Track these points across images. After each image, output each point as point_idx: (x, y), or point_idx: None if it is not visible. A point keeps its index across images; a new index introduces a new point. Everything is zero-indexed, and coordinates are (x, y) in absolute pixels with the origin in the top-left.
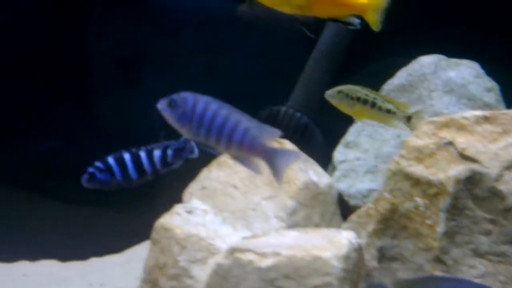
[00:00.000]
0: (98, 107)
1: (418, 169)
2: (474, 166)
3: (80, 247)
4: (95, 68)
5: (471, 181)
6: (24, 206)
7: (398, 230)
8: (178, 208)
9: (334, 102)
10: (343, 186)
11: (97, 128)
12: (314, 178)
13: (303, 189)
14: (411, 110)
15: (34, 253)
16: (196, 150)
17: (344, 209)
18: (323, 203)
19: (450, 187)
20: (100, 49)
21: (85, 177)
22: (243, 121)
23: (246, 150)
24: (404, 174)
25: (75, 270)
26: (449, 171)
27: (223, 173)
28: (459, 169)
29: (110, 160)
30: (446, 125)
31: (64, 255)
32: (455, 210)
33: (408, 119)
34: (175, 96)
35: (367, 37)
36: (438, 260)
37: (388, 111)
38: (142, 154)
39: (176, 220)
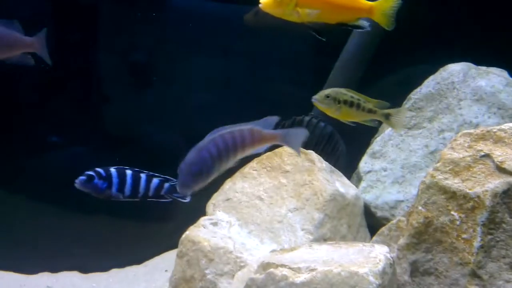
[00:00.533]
0: (116, 115)
1: (454, 182)
2: None
3: (101, 259)
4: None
5: (508, 195)
6: (45, 219)
7: (433, 244)
8: (203, 220)
9: (322, 107)
10: (369, 197)
11: (116, 139)
12: (341, 189)
13: (330, 200)
14: (389, 108)
15: (55, 265)
16: (189, 198)
17: (370, 220)
18: (350, 215)
19: (488, 201)
20: (112, 53)
21: (82, 178)
22: (243, 126)
23: (258, 142)
24: (439, 187)
25: (97, 282)
26: (487, 185)
27: (248, 185)
28: (496, 183)
29: (113, 171)
30: (483, 137)
31: (85, 267)
32: (492, 224)
33: (387, 116)
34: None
35: (390, 46)
36: (474, 275)
37: (370, 111)
38: (143, 176)
39: (203, 233)
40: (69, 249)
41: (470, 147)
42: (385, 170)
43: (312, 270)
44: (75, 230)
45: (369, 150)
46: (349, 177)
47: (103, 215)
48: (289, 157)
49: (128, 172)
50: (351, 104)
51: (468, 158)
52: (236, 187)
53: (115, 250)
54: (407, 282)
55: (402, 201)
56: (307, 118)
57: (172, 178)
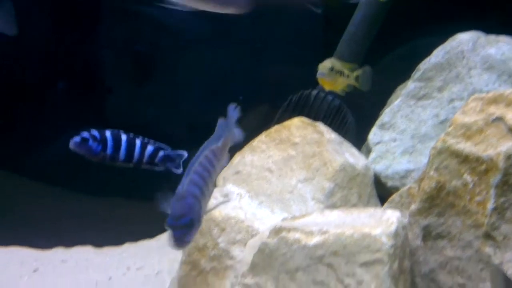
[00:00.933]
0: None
1: (466, 146)
2: None
3: (114, 234)
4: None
5: None
6: (59, 196)
7: (445, 208)
8: (214, 192)
9: (329, 79)
10: (379, 167)
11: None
12: (351, 160)
13: (340, 171)
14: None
15: (69, 241)
16: (181, 170)
17: (381, 191)
18: (360, 185)
19: (501, 163)
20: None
21: (76, 139)
22: (205, 151)
23: (222, 156)
24: (451, 152)
25: (111, 256)
26: (499, 147)
27: (257, 158)
28: (509, 145)
29: (108, 134)
30: (495, 101)
31: (99, 242)
32: (505, 186)
33: (357, 78)
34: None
35: (396, 19)
36: (488, 237)
37: (348, 76)
38: (138, 142)
39: (213, 204)
40: (83, 225)
41: (482, 110)
42: (394, 141)
43: (325, 232)
44: (88, 206)
45: (378, 122)
46: (358, 150)
47: (116, 192)
48: (298, 130)
49: (123, 136)
50: (341, 73)
51: (480, 122)
52: (245, 160)
53: (128, 225)
54: (419, 246)
55: (413, 170)
56: (314, 92)
57: (167, 146)
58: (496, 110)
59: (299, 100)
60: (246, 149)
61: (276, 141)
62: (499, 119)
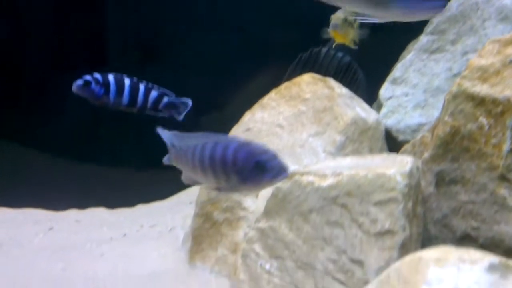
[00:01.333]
0: None
1: (482, 89)
2: None
3: (127, 196)
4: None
5: None
6: (72, 160)
7: (459, 153)
8: None
9: (342, 32)
10: (391, 122)
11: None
12: (362, 114)
13: (351, 124)
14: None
15: (83, 203)
16: (182, 116)
17: (392, 146)
18: (371, 139)
19: None
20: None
21: (79, 82)
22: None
23: None
24: (466, 95)
25: (124, 216)
26: None
27: (267, 114)
28: None
29: (111, 77)
30: None
31: (112, 204)
32: None
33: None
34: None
35: None
36: (503, 179)
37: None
38: (142, 86)
39: None
40: (96, 188)
41: (499, 52)
42: (406, 95)
43: (338, 174)
44: (101, 170)
45: (390, 77)
46: (370, 106)
47: (127, 155)
48: (308, 86)
49: (127, 80)
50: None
51: (497, 64)
52: (256, 117)
53: (141, 188)
54: (432, 193)
55: (425, 124)
56: (324, 49)
57: (171, 93)
58: None
59: (309, 58)
60: (256, 106)
61: (286, 98)
62: None
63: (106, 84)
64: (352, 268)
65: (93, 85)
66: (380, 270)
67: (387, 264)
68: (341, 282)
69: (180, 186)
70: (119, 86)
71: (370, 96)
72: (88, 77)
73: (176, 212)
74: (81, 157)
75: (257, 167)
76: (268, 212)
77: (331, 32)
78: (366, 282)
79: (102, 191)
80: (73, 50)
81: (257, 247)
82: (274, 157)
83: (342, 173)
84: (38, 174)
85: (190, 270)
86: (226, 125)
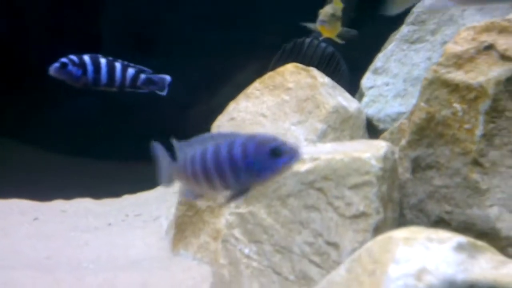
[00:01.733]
0: None
1: (457, 75)
2: None
3: (113, 187)
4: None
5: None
6: (57, 151)
7: (434, 138)
8: None
9: (329, 27)
10: (372, 111)
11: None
12: (344, 103)
13: (332, 112)
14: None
15: (69, 194)
16: (166, 90)
17: (373, 135)
18: (352, 127)
19: (491, 89)
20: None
21: (56, 65)
22: None
23: None
24: (442, 82)
25: (110, 206)
26: (490, 74)
27: (251, 104)
28: (500, 71)
29: (86, 57)
30: (486, 29)
31: (98, 194)
32: (494, 113)
33: None
34: None
35: None
36: (476, 163)
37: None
38: (118, 65)
39: None
40: (82, 179)
41: (473, 39)
42: (387, 85)
43: (316, 159)
44: (89, 161)
45: (371, 67)
46: (353, 97)
47: (113, 146)
48: (291, 75)
49: (103, 60)
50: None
51: (472, 50)
52: (240, 107)
53: (128, 178)
54: (409, 179)
55: (404, 112)
56: (308, 40)
57: (147, 69)
58: (488, 38)
59: (293, 48)
60: (240, 96)
61: (270, 87)
62: (491, 46)
63: (82, 64)
64: (327, 250)
65: (70, 66)
66: (354, 252)
67: (361, 246)
68: (317, 265)
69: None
70: (95, 65)
71: (353, 86)
72: (64, 59)
73: (162, 201)
74: (68, 148)
75: (273, 154)
76: (247, 198)
77: (319, 27)
78: (341, 264)
79: (89, 182)
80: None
81: (237, 232)
82: (283, 141)
83: (320, 157)
84: (24, 166)
85: (173, 257)
86: (213, 117)
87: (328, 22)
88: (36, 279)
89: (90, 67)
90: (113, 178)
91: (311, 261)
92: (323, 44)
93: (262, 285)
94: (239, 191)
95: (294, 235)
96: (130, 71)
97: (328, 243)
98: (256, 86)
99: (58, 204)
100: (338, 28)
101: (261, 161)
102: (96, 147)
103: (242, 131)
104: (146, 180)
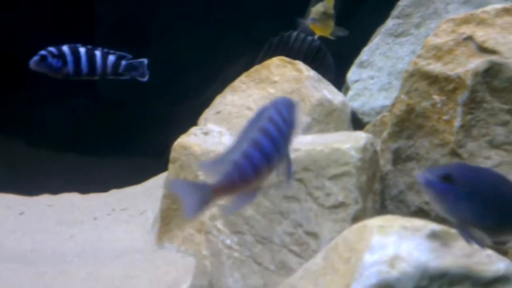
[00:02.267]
0: None
1: (436, 67)
2: (494, 58)
3: (100, 182)
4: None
5: (489, 73)
6: (44, 147)
7: (414, 130)
8: (194, 129)
9: (320, 25)
10: (357, 104)
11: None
12: (329, 96)
13: (317, 105)
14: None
15: (56, 189)
16: (146, 77)
17: (358, 128)
18: (337, 120)
19: (469, 81)
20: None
21: (35, 58)
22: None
23: None
24: (421, 73)
25: (97, 200)
26: (468, 65)
27: (237, 97)
28: (477, 62)
29: (65, 48)
30: (466, 21)
31: (85, 190)
32: (472, 104)
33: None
34: None
35: None
36: (454, 154)
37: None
38: (97, 53)
39: (193, 139)
40: (69, 174)
41: (453, 31)
42: (372, 79)
43: (297, 150)
44: (76, 156)
45: (357, 61)
46: (339, 90)
47: (100, 142)
48: (277, 69)
49: (82, 49)
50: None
51: (451, 42)
52: (226, 100)
53: (115, 173)
54: (390, 170)
55: (388, 106)
56: (294, 34)
57: (127, 55)
58: (466, 30)
59: (279, 42)
60: (227, 90)
61: (256, 81)
62: (469, 38)
63: (62, 55)
64: (307, 240)
65: (50, 58)
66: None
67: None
68: (297, 254)
69: (154, 171)
70: (75, 55)
71: (340, 79)
72: (43, 52)
73: (148, 196)
74: (55, 143)
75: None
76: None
77: (310, 25)
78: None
79: (76, 177)
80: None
81: (219, 223)
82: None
83: (300, 148)
84: (11, 160)
85: (158, 250)
86: (202, 110)
87: (319, 20)
88: (19, 271)
89: (69, 58)
90: (100, 173)
91: (291, 251)
92: (310, 38)
93: (243, 275)
94: (288, 162)
95: (274, 226)
96: (111, 58)
97: (308, 233)
98: (242, 80)
99: (45, 199)
100: (331, 26)
101: (294, 120)
102: (83, 142)
103: (228, 124)
104: (133, 175)
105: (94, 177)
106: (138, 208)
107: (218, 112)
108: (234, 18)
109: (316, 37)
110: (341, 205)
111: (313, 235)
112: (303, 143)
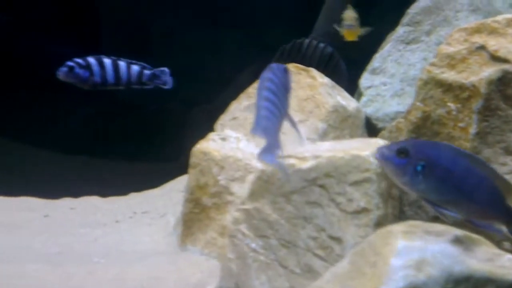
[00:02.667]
0: None
1: (450, 75)
2: (506, 66)
3: (119, 186)
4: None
5: (503, 82)
6: (64, 153)
7: (430, 136)
8: (212, 135)
9: (355, 30)
10: (370, 110)
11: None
12: (343, 102)
13: (332, 112)
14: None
15: (77, 192)
16: (170, 84)
17: (372, 134)
18: (352, 126)
19: (483, 89)
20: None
21: (63, 69)
22: None
23: None
24: (436, 82)
25: (118, 204)
26: (481, 74)
27: (253, 103)
28: (491, 71)
29: (91, 59)
30: (478, 30)
31: (105, 193)
32: (487, 111)
33: None
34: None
35: None
36: None
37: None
38: (122, 63)
39: (213, 145)
40: (89, 179)
41: (465, 40)
42: (385, 85)
43: (318, 157)
44: (95, 160)
45: (369, 67)
46: (352, 96)
47: (120, 146)
48: (292, 75)
49: (107, 60)
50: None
51: (464, 51)
52: (242, 106)
53: (133, 177)
54: None
55: (402, 112)
56: (307, 41)
57: (148, 65)
58: (479, 39)
59: (292, 49)
60: (242, 96)
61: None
62: (482, 47)
63: (88, 66)
64: (331, 244)
65: (77, 69)
66: (356, 245)
67: (363, 240)
68: (322, 258)
69: (171, 176)
70: (101, 66)
71: (352, 86)
72: (70, 63)
73: (168, 199)
74: (76, 148)
75: None
76: (253, 194)
77: (345, 31)
78: (344, 257)
79: (95, 181)
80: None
81: (243, 227)
82: None
83: (321, 155)
84: (33, 165)
85: (181, 252)
86: (213, 116)
87: (354, 26)
88: (48, 273)
89: (96, 68)
90: (119, 177)
91: (316, 255)
92: (322, 45)
93: (269, 278)
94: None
95: (298, 230)
96: (135, 68)
97: (331, 238)
98: (256, 86)
99: (67, 202)
100: (360, 30)
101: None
102: (103, 146)
103: (245, 130)
104: (150, 178)
105: (113, 180)
106: (159, 211)
107: (234, 118)
108: (247, 25)
109: (333, 43)
110: (363, 210)
111: (337, 239)
112: (322, 150)
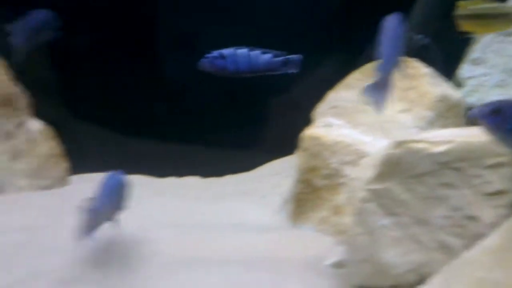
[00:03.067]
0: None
1: None
2: None
3: (217, 168)
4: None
5: None
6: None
7: None
8: (318, 122)
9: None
10: (472, 100)
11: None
12: (447, 91)
13: (438, 101)
14: None
15: (181, 172)
16: (297, 69)
17: (470, 124)
18: (456, 116)
19: None
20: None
21: (204, 60)
22: None
23: None
24: None
25: (219, 184)
26: None
27: (351, 94)
28: None
29: (226, 51)
30: None
31: (204, 174)
32: None
33: None
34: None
35: None
36: None
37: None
38: (254, 52)
39: (321, 131)
40: (192, 160)
41: None
42: (485, 76)
43: (450, 142)
44: (196, 144)
45: (468, 58)
46: None
47: (212, 133)
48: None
49: (240, 50)
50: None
51: None
52: (340, 96)
53: (228, 162)
54: None
55: None
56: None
57: (279, 53)
58: None
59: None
60: (339, 86)
61: (370, 77)
62: None
63: (223, 56)
64: (466, 223)
65: (214, 60)
66: (493, 225)
67: (498, 220)
68: (457, 235)
69: (261, 161)
70: (235, 56)
71: (447, 76)
72: (209, 55)
73: (264, 182)
74: (182, 137)
75: None
76: (381, 175)
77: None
78: (481, 235)
79: (198, 163)
80: None
81: (371, 205)
82: None
83: (454, 140)
84: (147, 151)
85: (294, 229)
86: (301, 106)
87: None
88: (178, 237)
89: (230, 58)
90: (216, 162)
91: (450, 233)
92: (418, 36)
93: (403, 251)
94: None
95: (431, 209)
96: (266, 56)
97: (467, 217)
98: (355, 76)
99: (173, 181)
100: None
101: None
102: (202, 135)
103: (346, 117)
104: (242, 163)
105: (209, 164)
106: (258, 191)
107: (333, 107)
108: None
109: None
110: (498, 192)
111: (473, 218)
112: (453, 136)
